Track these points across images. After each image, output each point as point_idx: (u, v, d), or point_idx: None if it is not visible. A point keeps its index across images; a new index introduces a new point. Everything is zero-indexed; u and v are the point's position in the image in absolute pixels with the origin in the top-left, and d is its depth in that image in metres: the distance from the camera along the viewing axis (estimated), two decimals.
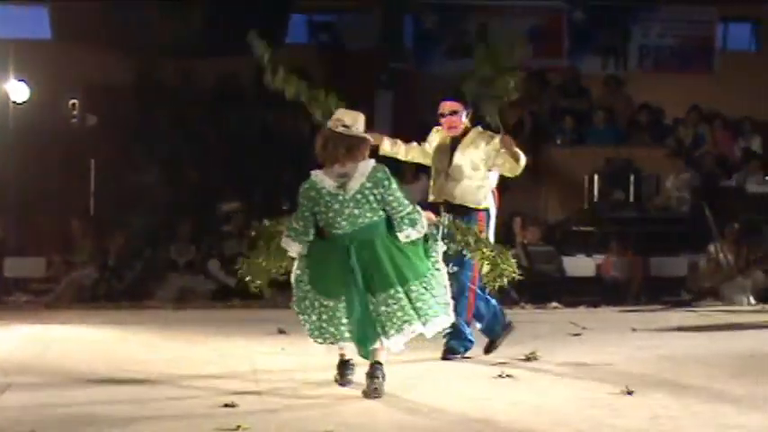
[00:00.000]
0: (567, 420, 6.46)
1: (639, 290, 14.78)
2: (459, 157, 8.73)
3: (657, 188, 16.84)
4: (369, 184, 7.36)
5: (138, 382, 7.72)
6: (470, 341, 8.92)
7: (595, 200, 15.92)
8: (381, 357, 7.38)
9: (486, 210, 8.78)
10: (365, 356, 7.39)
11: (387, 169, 7.51)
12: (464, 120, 8.85)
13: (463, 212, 8.59)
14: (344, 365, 7.70)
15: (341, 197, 7.36)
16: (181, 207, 15.61)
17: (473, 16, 19.41)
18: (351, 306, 7.30)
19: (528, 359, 8.70)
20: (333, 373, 7.72)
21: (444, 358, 8.79)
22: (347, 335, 7.36)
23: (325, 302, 7.40)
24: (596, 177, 16.04)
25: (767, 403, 6.98)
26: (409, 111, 18.53)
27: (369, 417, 6.58)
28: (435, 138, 9.00)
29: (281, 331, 10.48)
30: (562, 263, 15.04)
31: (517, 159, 8.68)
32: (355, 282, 7.29)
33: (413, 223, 7.43)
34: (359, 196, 7.35)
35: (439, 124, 8.95)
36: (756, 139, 18.26)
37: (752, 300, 14.31)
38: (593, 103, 18.65)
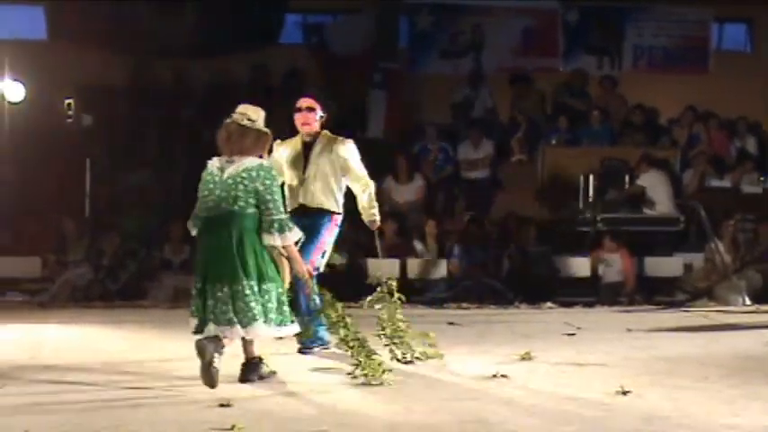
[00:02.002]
0: (560, 420, 6.46)
1: (634, 290, 14.78)
2: (314, 161, 8.88)
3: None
4: (245, 175, 7.55)
5: (132, 381, 7.71)
6: (320, 338, 9.00)
7: (590, 200, 15.92)
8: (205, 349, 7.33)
9: (340, 214, 9.01)
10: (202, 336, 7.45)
11: (274, 171, 7.72)
12: (318, 119, 8.94)
13: (319, 215, 8.83)
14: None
15: (217, 178, 7.61)
16: (175, 207, 15.60)
17: (468, 17, 19.43)
18: (205, 288, 7.52)
19: (522, 359, 8.70)
20: (328, 373, 7.72)
21: (300, 351, 8.97)
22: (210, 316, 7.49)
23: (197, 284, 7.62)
24: (591, 177, 16.05)
25: (761, 404, 6.98)
26: (402, 111, 18.57)
27: (363, 416, 6.58)
28: (284, 148, 9.05)
29: None
30: (556, 263, 15.04)
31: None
32: (210, 265, 7.52)
33: (281, 230, 7.58)
34: (230, 181, 7.56)
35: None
36: (751, 140, 18.29)
37: (747, 300, 14.31)
38: (590, 102, 18.69)
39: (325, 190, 8.90)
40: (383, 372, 7.63)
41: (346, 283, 14.44)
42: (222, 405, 6.77)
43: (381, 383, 7.51)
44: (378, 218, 9.26)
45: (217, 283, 7.47)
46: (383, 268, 14.67)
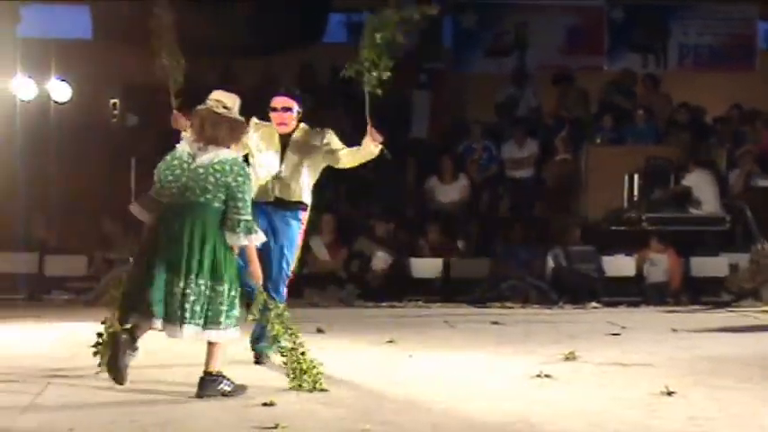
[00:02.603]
0: (605, 421, 6.44)
1: (680, 290, 14.70)
2: (292, 156, 8.53)
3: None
4: (218, 167, 7.17)
5: (177, 379, 7.75)
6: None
7: (635, 199, 15.85)
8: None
9: (307, 209, 8.71)
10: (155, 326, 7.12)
11: (247, 168, 7.41)
12: (295, 116, 8.59)
13: (295, 208, 8.55)
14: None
15: (186, 165, 7.23)
16: None
17: (512, 15, 19.39)
18: (158, 278, 7.08)
19: (566, 359, 8.68)
20: (370, 373, 7.72)
21: (257, 362, 8.62)
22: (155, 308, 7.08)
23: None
24: (636, 176, 15.97)
25: None
26: (446, 110, 18.55)
27: (406, 416, 6.59)
28: (258, 135, 8.65)
29: (320, 330, 10.53)
30: (601, 262, 14.98)
31: (371, 155, 8.53)
32: (161, 254, 7.12)
33: (248, 231, 7.20)
34: (201, 171, 7.18)
35: (266, 119, 8.69)
36: None
37: None
38: (636, 102, 18.60)
39: (302, 184, 8.54)
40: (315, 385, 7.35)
41: (390, 283, 14.53)
42: (266, 404, 6.79)
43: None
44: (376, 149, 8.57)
45: (166, 274, 7.08)
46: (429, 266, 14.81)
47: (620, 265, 15.09)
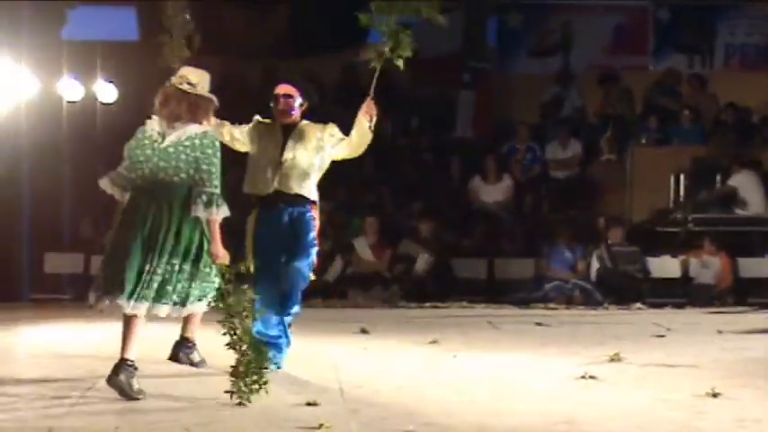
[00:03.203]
0: (650, 422, 6.41)
1: (727, 292, 14.61)
2: (293, 147, 8.27)
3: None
4: (187, 143, 7.11)
5: (220, 380, 7.77)
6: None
7: (681, 200, 15.77)
8: (128, 347, 7.07)
9: (316, 204, 8.42)
10: (129, 313, 7.07)
11: (217, 141, 7.28)
12: (297, 107, 8.41)
13: (299, 203, 8.26)
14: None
15: (156, 144, 7.16)
16: None
17: (557, 15, 19.35)
18: (131, 261, 7.01)
19: (611, 360, 8.64)
20: (414, 373, 7.72)
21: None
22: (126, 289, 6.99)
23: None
24: (682, 177, 15.89)
25: None
26: (491, 111, 18.52)
27: (450, 417, 6.58)
28: (258, 127, 8.50)
29: (364, 331, 10.55)
30: (646, 263, 14.92)
31: (366, 134, 8.35)
32: (141, 236, 7.04)
33: (209, 204, 7.05)
34: (171, 149, 7.12)
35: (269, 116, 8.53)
36: None
37: None
38: (682, 102, 18.50)
39: (304, 177, 8.29)
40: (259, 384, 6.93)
41: (432, 283, 14.53)
42: (309, 404, 6.81)
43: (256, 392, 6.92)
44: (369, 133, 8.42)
45: (147, 256, 7.01)
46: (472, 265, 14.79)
47: (665, 266, 15.01)
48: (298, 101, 8.42)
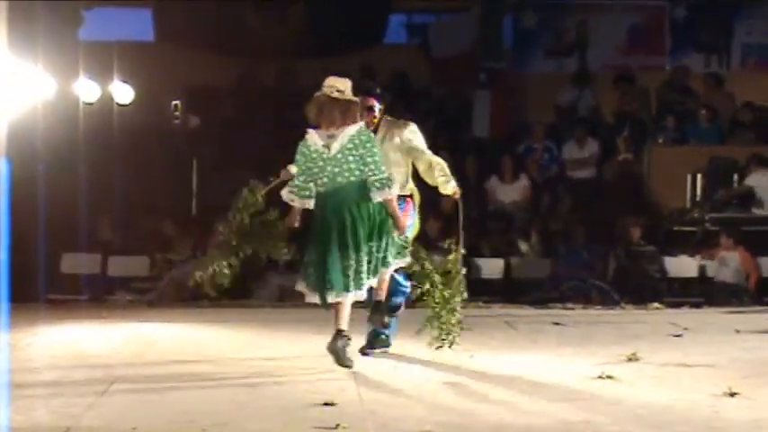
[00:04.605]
0: (667, 422, 6.40)
1: (755, 289, 14.56)
2: (382, 148, 8.48)
3: None
4: (350, 146, 7.95)
5: (238, 380, 7.79)
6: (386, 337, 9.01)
7: (698, 199, 15.74)
8: (341, 321, 7.98)
9: (412, 195, 8.78)
10: (325, 306, 8.05)
11: (371, 134, 8.10)
12: (377, 114, 8.71)
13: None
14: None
15: (325, 155, 7.95)
16: (280, 206, 15.70)
17: (573, 15, 19.32)
18: (325, 259, 7.97)
19: (629, 360, 8.62)
20: (430, 373, 7.71)
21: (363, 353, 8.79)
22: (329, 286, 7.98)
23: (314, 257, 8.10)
24: (699, 176, 15.86)
25: None
26: (506, 110, 18.50)
27: (467, 417, 6.58)
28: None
29: None
30: (664, 263, 14.88)
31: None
32: (329, 236, 7.99)
33: (381, 187, 7.95)
34: (339, 156, 7.96)
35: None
36: None
37: None
38: (698, 101, 18.44)
39: (396, 173, 8.46)
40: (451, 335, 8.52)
41: None
42: (326, 404, 6.81)
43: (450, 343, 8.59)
44: (456, 187, 8.81)
45: (340, 254, 7.95)
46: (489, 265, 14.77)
47: (682, 265, 14.98)
48: (376, 108, 8.76)
